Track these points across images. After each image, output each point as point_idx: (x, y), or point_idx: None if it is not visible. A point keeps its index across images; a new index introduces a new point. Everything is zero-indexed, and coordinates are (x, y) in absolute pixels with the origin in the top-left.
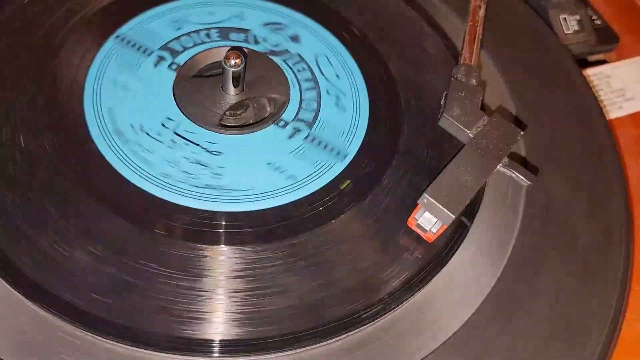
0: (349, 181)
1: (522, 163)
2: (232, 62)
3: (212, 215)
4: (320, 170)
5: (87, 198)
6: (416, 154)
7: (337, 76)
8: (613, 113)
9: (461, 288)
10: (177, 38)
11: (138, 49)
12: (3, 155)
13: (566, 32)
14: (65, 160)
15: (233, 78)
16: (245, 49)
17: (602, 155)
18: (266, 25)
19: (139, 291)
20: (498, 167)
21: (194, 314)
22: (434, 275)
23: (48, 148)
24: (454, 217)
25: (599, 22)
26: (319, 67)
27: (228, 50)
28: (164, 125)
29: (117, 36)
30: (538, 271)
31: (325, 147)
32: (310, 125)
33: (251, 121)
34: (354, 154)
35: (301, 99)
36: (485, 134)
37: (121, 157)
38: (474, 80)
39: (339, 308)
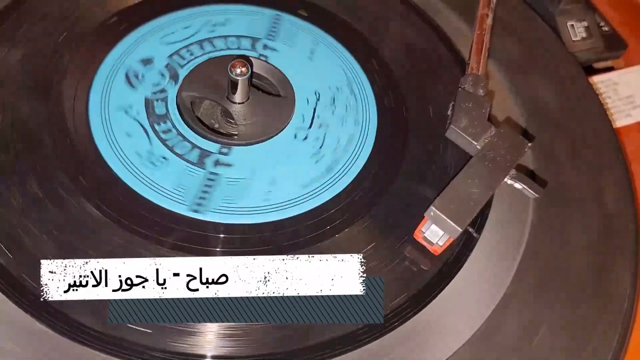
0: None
1: (528, 174)
2: (238, 70)
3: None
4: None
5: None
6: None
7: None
8: (621, 121)
9: (469, 298)
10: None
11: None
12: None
13: (574, 38)
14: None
15: (240, 86)
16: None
17: (609, 164)
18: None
19: None
20: (506, 179)
21: None
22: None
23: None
24: (461, 230)
25: (606, 28)
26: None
27: (234, 59)
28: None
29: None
30: (547, 278)
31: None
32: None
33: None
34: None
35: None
36: (493, 146)
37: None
38: (481, 91)
39: None
